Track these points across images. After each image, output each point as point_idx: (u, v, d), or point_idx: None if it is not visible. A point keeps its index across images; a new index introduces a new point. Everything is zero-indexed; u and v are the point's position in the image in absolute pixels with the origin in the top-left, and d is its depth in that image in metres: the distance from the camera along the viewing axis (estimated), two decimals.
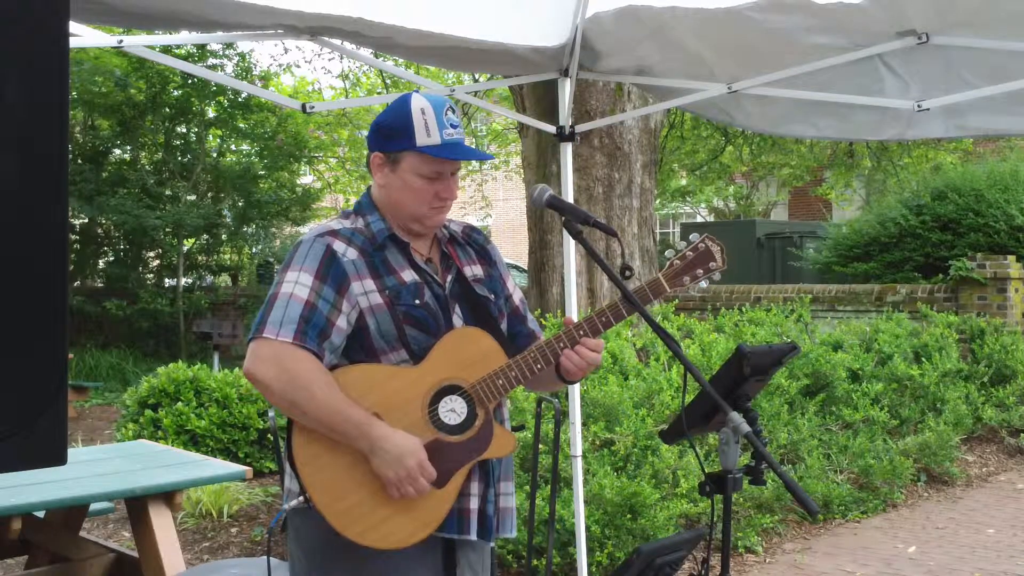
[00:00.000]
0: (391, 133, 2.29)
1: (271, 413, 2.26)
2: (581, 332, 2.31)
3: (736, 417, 2.15)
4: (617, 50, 3.93)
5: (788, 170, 18.76)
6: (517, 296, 2.53)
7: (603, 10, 3.77)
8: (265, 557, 2.36)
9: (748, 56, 3.77)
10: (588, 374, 2.40)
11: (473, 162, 19.41)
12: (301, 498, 2.17)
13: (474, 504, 2.28)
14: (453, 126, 2.28)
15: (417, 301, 2.26)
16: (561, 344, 2.30)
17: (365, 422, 2.13)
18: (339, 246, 2.24)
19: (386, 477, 2.14)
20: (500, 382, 2.26)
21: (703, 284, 2.38)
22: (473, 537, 2.27)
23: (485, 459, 2.28)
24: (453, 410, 2.23)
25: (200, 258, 16.62)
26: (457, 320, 2.31)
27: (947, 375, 7.92)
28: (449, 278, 2.36)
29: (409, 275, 2.29)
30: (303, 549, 2.28)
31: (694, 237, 2.38)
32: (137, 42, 3.48)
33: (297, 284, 2.18)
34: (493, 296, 2.42)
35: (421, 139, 2.25)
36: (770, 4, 3.44)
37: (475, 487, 2.27)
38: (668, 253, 2.38)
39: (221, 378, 7.04)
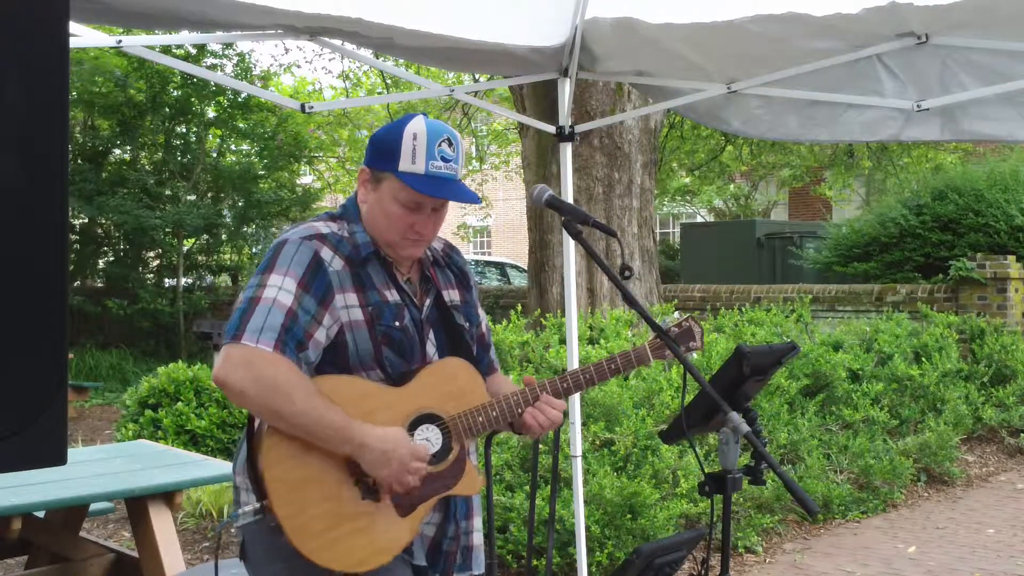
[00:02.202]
0: (380, 151, 2.20)
1: None
2: (565, 384, 2.31)
3: (736, 417, 2.15)
4: (615, 54, 3.94)
5: (788, 171, 18.78)
6: (484, 325, 2.47)
7: (601, 16, 3.77)
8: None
9: (746, 61, 3.78)
10: (545, 433, 2.35)
11: (473, 161, 19.49)
12: (256, 505, 2.06)
13: (429, 532, 2.23)
14: (444, 159, 2.16)
15: (397, 323, 2.18)
16: (543, 390, 2.28)
17: (345, 424, 2.05)
18: (326, 254, 2.15)
19: (379, 475, 2.07)
20: (480, 419, 2.22)
21: None
22: (421, 563, 2.21)
23: (451, 496, 2.23)
24: (428, 439, 2.17)
25: (200, 258, 16.61)
26: (430, 347, 2.25)
27: (947, 375, 7.92)
28: (428, 302, 2.29)
29: (391, 294, 2.21)
30: (264, 570, 2.18)
31: (677, 315, 2.50)
32: (136, 42, 3.48)
33: (281, 290, 2.08)
34: (468, 324, 2.36)
35: (404, 164, 2.15)
36: (767, 17, 3.45)
37: (432, 516, 2.22)
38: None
39: None
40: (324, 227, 2.21)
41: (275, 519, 2.04)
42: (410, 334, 2.21)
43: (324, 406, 2.04)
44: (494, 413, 2.23)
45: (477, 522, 2.34)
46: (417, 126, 2.18)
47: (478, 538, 2.34)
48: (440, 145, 2.17)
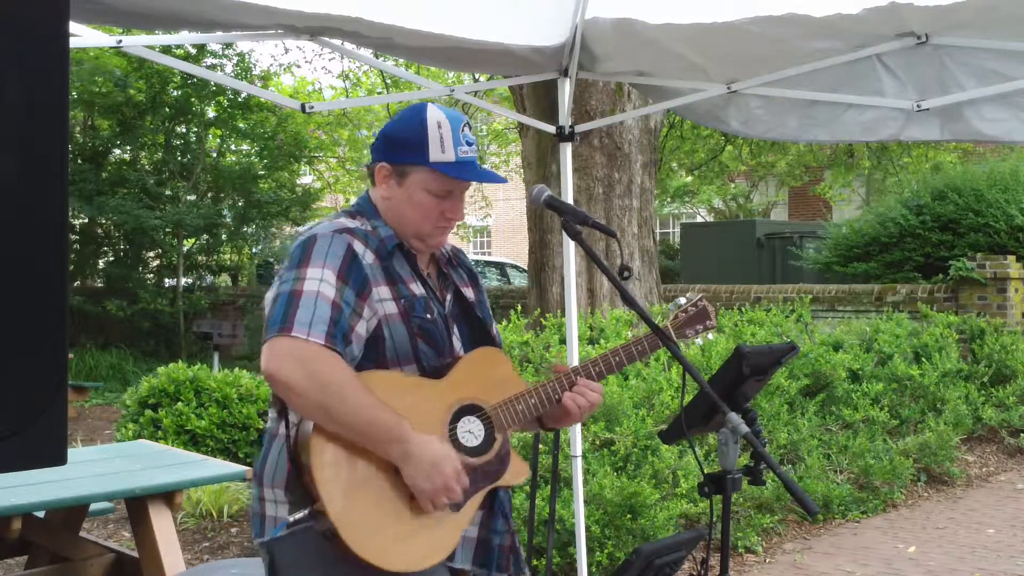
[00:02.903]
0: (403, 145, 2.19)
1: (291, 418, 2.16)
2: (597, 368, 2.33)
3: (735, 417, 2.15)
4: (615, 54, 3.94)
5: (785, 165, 18.76)
6: (495, 326, 2.48)
7: (600, 16, 3.77)
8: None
9: (746, 61, 3.78)
10: (585, 417, 2.37)
11: None
12: (305, 511, 2.02)
13: (473, 532, 2.19)
14: (468, 144, 2.20)
15: (428, 315, 2.18)
16: (578, 375, 2.30)
17: (398, 426, 2.01)
18: (358, 247, 2.12)
19: (419, 487, 2.02)
20: (520, 407, 2.21)
21: (699, 342, 2.49)
22: (464, 566, 2.18)
23: (500, 487, 2.21)
24: (470, 431, 2.16)
25: (200, 258, 16.61)
26: (456, 341, 2.25)
27: (947, 375, 7.92)
28: (448, 297, 2.30)
29: (417, 287, 2.20)
30: None
31: (691, 296, 2.50)
32: (137, 42, 3.48)
33: (323, 282, 2.03)
34: (485, 320, 2.38)
35: (435, 155, 2.16)
36: (767, 19, 3.45)
37: (478, 516, 2.19)
38: (671, 307, 2.49)
39: (221, 378, 7.05)
40: (349, 222, 2.20)
41: (328, 523, 1.99)
42: (440, 327, 2.21)
43: (375, 404, 2.00)
44: (533, 400, 2.23)
45: (512, 522, 2.33)
46: (438, 115, 2.19)
47: (517, 538, 2.34)
48: (463, 130, 2.21)
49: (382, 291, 2.13)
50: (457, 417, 2.16)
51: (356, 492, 2.03)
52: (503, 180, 2.42)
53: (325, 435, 2.03)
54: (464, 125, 2.22)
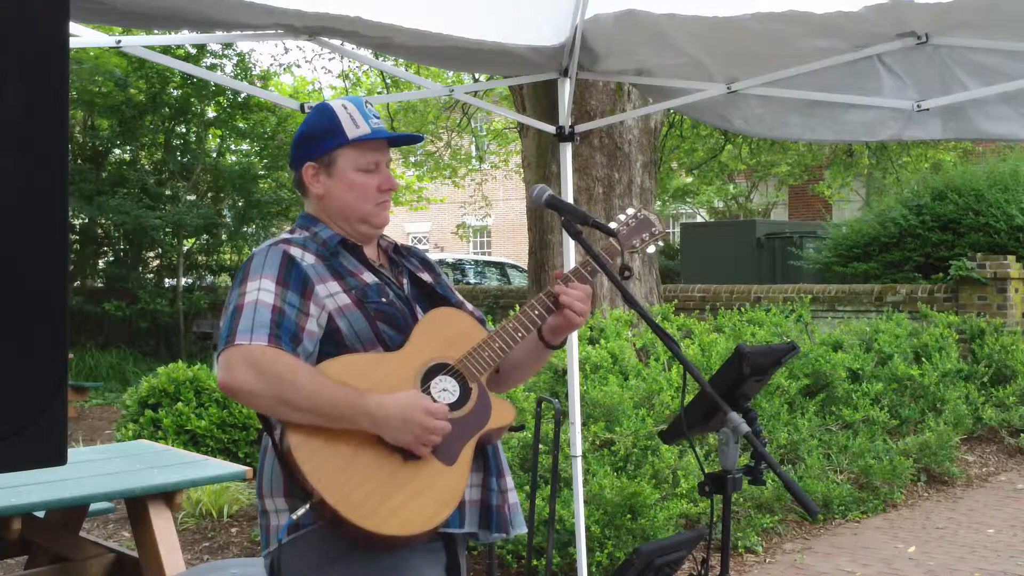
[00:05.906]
0: (320, 136, 2.28)
1: (275, 429, 2.18)
2: (589, 268, 2.35)
3: (735, 417, 2.15)
4: (616, 52, 3.94)
5: (786, 167, 18.77)
6: (467, 305, 2.49)
7: (602, 12, 3.78)
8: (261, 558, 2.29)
9: (747, 59, 3.78)
10: (578, 324, 2.36)
11: (473, 162, 19.45)
12: (306, 507, 2.04)
13: (475, 495, 2.23)
14: (376, 117, 2.31)
15: (384, 299, 2.23)
16: (536, 311, 2.30)
17: (357, 396, 2.06)
18: (296, 251, 2.20)
19: (403, 443, 2.06)
20: (486, 354, 2.24)
21: (651, 249, 2.51)
22: (473, 529, 2.21)
23: (490, 431, 2.22)
24: (445, 389, 2.19)
25: (200, 258, 16.61)
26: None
27: (947, 375, 7.92)
28: (405, 281, 2.35)
29: (369, 277, 2.26)
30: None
31: (631, 211, 2.52)
32: (136, 42, 3.48)
33: (260, 291, 2.11)
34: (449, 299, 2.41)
35: (351, 132, 2.26)
36: (769, 15, 3.45)
37: (474, 477, 2.22)
38: (613, 223, 2.48)
39: None
40: (287, 235, 2.29)
41: (329, 509, 2.02)
42: (400, 308, 2.25)
43: (331, 385, 2.06)
44: (497, 344, 2.26)
45: (510, 481, 2.35)
46: (341, 101, 2.32)
47: (514, 496, 2.35)
48: (367, 107, 2.31)
49: (330, 286, 2.19)
50: (427, 379, 2.19)
51: (347, 473, 2.06)
52: (420, 138, 2.59)
53: (301, 430, 2.06)
54: (365, 103, 2.32)
